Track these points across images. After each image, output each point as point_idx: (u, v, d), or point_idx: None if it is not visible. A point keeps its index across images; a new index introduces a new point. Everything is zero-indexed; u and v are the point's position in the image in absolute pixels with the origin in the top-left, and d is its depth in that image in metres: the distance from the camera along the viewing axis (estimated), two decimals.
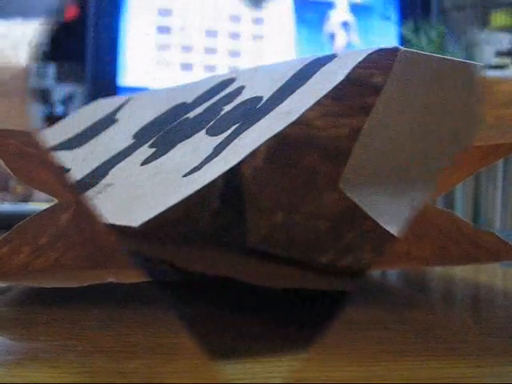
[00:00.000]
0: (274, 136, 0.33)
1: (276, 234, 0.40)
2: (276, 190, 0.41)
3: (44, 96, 1.60)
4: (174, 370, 0.19)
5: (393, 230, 0.24)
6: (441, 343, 0.22)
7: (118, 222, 0.22)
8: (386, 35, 1.66)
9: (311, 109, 0.35)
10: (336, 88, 0.28)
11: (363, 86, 0.30)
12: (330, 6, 1.73)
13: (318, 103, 0.34)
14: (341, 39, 1.73)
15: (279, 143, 0.38)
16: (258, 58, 1.65)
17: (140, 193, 0.23)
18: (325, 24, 1.72)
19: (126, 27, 1.57)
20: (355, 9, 1.74)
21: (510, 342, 0.23)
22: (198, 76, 1.57)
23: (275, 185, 0.41)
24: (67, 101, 1.60)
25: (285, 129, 0.24)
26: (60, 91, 1.61)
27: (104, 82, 1.53)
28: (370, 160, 0.26)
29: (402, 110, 0.26)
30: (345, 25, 1.73)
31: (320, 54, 0.27)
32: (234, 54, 1.64)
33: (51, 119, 1.55)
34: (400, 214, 0.25)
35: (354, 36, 1.73)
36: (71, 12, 1.62)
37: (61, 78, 1.62)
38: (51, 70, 1.60)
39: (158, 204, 0.21)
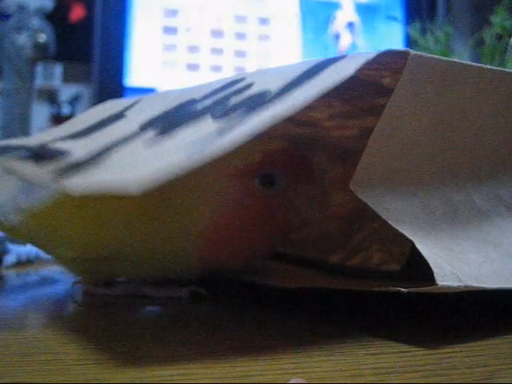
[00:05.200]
0: (282, 137, 0.33)
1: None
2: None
3: (51, 96, 1.60)
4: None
5: (403, 230, 0.25)
6: None
7: (112, 191, 0.20)
8: (392, 36, 1.67)
9: (320, 110, 0.35)
10: (345, 89, 0.28)
11: (372, 87, 0.30)
12: (336, 6, 1.73)
13: (327, 105, 0.35)
14: (345, 40, 1.73)
15: (288, 144, 0.38)
16: (264, 59, 1.66)
17: (139, 160, 0.23)
18: (330, 25, 1.72)
19: (132, 28, 1.57)
20: (361, 9, 1.75)
21: None
22: (205, 76, 1.56)
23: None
24: (74, 101, 1.61)
25: (292, 128, 0.23)
26: (67, 91, 1.61)
27: (111, 83, 1.54)
28: (381, 161, 0.26)
29: (413, 112, 0.26)
30: (350, 25, 1.73)
31: (329, 57, 0.27)
32: (240, 54, 1.65)
33: (58, 119, 1.56)
34: (410, 215, 0.26)
35: (359, 37, 1.74)
36: (78, 12, 1.62)
37: (68, 78, 1.63)
38: (58, 70, 1.61)
39: (155, 171, 0.20)
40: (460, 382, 0.19)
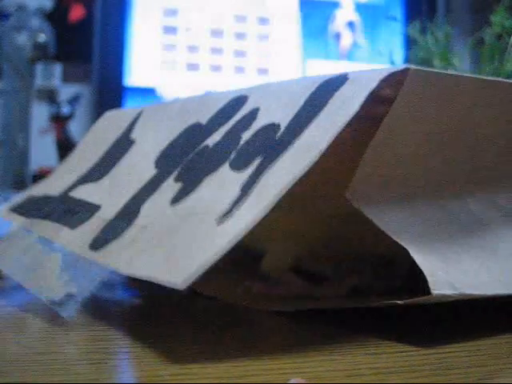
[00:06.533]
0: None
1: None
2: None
3: (51, 96, 1.60)
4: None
5: (400, 239, 0.25)
6: None
7: (159, 281, 0.22)
8: (392, 35, 1.67)
9: None
10: None
11: (371, 97, 0.30)
12: (336, 5, 1.73)
13: None
14: (346, 39, 1.73)
15: None
16: (263, 59, 1.66)
17: (176, 242, 0.24)
18: (330, 24, 1.72)
19: (132, 28, 1.57)
20: (361, 8, 1.75)
21: None
22: (205, 76, 1.55)
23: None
24: (74, 101, 1.61)
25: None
26: (67, 91, 1.61)
27: (110, 83, 1.54)
28: (378, 171, 0.26)
29: (411, 124, 0.26)
30: (351, 25, 1.73)
31: (330, 74, 0.27)
32: (240, 54, 1.65)
33: (58, 119, 1.56)
34: (407, 223, 0.26)
35: (360, 36, 1.74)
36: (78, 12, 1.62)
37: (67, 78, 1.63)
38: (58, 70, 1.61)
39: (196, 263, 0.21)
40: (460, 381, 0.19)
